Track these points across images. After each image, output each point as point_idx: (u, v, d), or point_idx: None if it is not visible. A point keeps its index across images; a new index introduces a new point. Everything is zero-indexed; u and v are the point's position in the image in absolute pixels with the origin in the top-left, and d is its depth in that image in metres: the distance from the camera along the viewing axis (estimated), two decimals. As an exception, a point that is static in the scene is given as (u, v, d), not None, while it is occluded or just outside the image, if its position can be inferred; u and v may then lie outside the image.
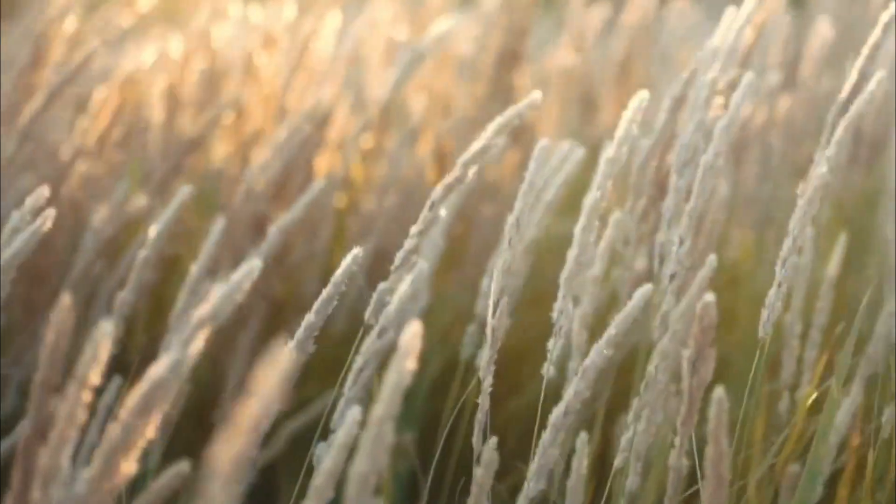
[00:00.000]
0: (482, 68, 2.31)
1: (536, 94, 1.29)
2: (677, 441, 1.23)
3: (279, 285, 2.05)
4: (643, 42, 2.43)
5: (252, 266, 0.95)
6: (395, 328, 1.23)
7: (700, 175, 1.34)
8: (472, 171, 1.28)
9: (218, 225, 1.58)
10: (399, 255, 1.29)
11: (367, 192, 2.16)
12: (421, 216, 1.28)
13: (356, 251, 1.22)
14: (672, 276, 1.34)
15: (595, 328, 1.38)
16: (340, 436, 0.88)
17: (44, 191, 1.28)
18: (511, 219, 1.28)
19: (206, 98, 2.17)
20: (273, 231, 1.66)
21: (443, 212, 1.30)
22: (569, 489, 1.27)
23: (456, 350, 1.60)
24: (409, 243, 1.29)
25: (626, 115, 1.32)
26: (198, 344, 0.90)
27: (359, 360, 1.25)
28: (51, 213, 1.25)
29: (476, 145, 1.28)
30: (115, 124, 1.97)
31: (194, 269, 1.53)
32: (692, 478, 1.26)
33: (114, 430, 0.86)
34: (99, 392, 1.34)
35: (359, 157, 2.15)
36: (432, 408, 1.77)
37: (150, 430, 0.86)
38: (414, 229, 1.29)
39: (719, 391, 1.02)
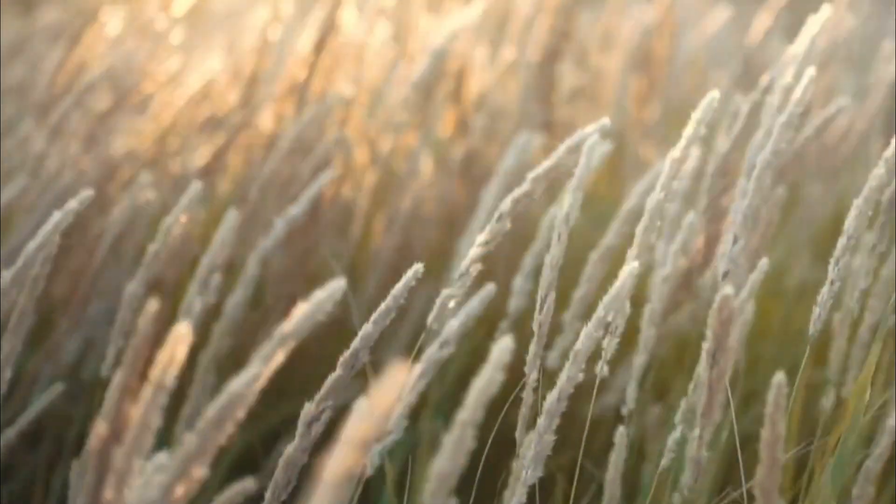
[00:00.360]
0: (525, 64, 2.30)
1: (605, 120, 1.29)
2: (696, 433, 1.23)
3: (302, 285, 2.03)
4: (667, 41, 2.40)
5: (336, 286, 0.96)
6: (455, 342, 1.24)
7: (756, 172, 1.34)
8: (541, 188, 1.28)
9: (230, 218, 1.56)
10: (464, 264, 1.29)
11: (392, 191, 2.15)
12: (488, 227, 1.29)
13: (417, 267, 1.22)
14: (725, 274, 1.33)
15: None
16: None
17: (88, 192, 1.28)
18: (561, 214, 1.27)
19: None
20: (279, 223, 1.66)
21: (508, 224, 1.29)
22: (607, 482, 1.27)
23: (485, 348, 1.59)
24: (474, 252, 1.29)
25: (696, 115, 1.30)
26: (278, 360, 0.90)
27: (418, 368, 1.25)
28: (73, 205, 1.25)
29: (547, 163, 1.29)
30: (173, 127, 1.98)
31: (204, 260, 1.53)
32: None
33: (190, 438, 0.86)
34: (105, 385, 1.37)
35: (385, 154, 2.14)
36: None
37: (223, 440, 0.86)
38: (480, 238, 1.29)
39: (780, 375, 1.02)
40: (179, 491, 0.85)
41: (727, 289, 1.13)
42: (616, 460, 1.28)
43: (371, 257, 2.08)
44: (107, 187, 1.98)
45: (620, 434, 1.29)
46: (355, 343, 1.21)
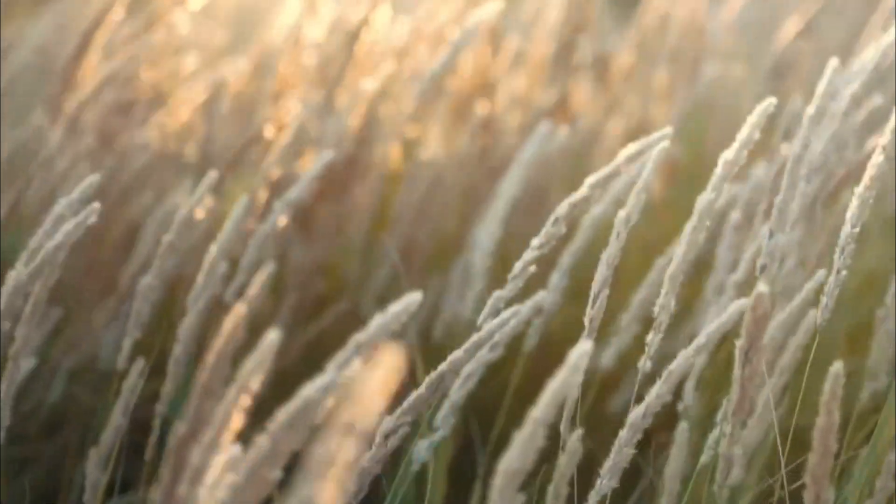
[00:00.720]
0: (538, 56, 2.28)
1: (667, 131, 1.30)
2: (727, 429, 1.23)
3: (318, 276, 2.03)
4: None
5: (412, 300, 0.95)
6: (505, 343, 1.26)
7: (789, 166, 1.34)
8: (598, 194, 1.31)
9: (240, 205, 1.55)
10: (518, 266, 1.30)
11: (407, 178, 2.13)
12: (543, 230, 1.30)
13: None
14: (763, 268, 1.33)
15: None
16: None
17: (93, 179, 1.26)
18: (622, 214, 1.27)
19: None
20: (277, 205, 1.64)
21: (564, 228, 1.31)
22: (667, 477, 1.28)
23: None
24: (528, 255, 1.30)
25: (751, 119, 1.29)
26: (354, 367, 0.90)
27: (468, 367, 1.25)
28: (96, 206, 1.24)
29: (607, 169, 1.31)
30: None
31: (213, 249, 1.51)
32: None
33: (262, 441, 0.85)
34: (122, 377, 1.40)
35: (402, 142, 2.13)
36: (488, 396, 1.75)
37: (295, 444, 0.85)
38: (535, 242, 1.30)
39: (837, 365, 1.03)
40: (251, 493, 0.84)
41: (761, 287, 1.13)
42: (677, 454, 1.28)
43: (383, 247, 2.07)
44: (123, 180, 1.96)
45: (681, 430, 1.29)
46: (442, 366, 1.22)
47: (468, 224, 2.05)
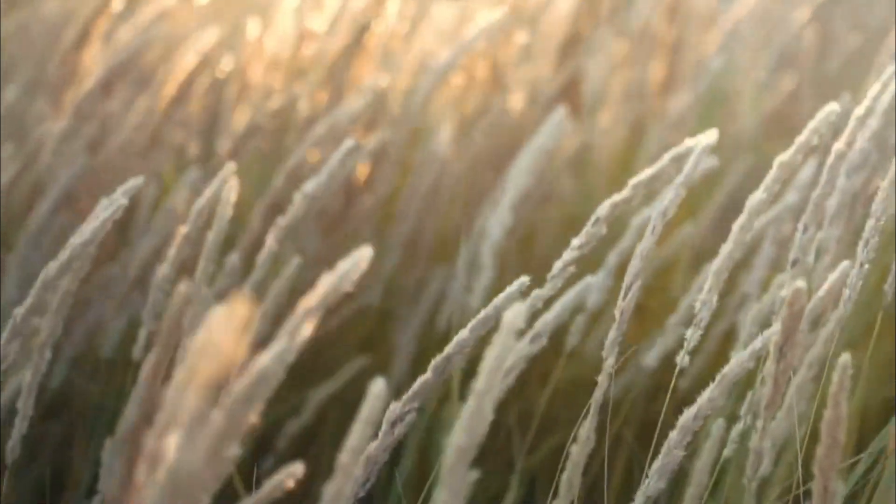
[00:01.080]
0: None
1: (713, 134, 1.29)
2: (759, 424, 1.24)
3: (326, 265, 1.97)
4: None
5: (362, 255, 0.93)
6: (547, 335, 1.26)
7: (830, 162, 1.33)
8: (640, 194, 1.29)
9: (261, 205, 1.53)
10: (557, 265, 1.30)
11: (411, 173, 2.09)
12: (584, 230, 1.30)
13: (523, 279, 1.22)
14: (794, 262, 1.33)
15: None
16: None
17: (138, 181, 1.28)
18: (660, 208, 1.26)
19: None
20: (298, 197, 1.61)
21: (604, 228, 1.30)
22: (695, 471, 1.26)
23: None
24: (568, 255, 1.30)
25: (812, 124, 1.29)
26: (305, 333, 0.87)
27: (508, 361, 1.20)
28: (124, 201, 1.25)
29: (650, 170, 1.30)
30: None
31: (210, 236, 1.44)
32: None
33: (218, 416, 0.80)
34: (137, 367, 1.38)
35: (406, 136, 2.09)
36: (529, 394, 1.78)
37: (253, 418, 0.82)
38: (576, 242, 1.30)
39: (845, 356, 1.02)
40: (210, 470, 0.80)
41: (799, 283, 1.14)
42: (710, 449, 1.26)
43: (390, 237, 2.05)
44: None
45: (718, 426, 1.27)
46: (449, 348, 1.21)
47: (474, 214, 2.03)
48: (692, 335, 1.25)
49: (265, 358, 0.81)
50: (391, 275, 2.01)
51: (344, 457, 1.09)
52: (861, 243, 1.27)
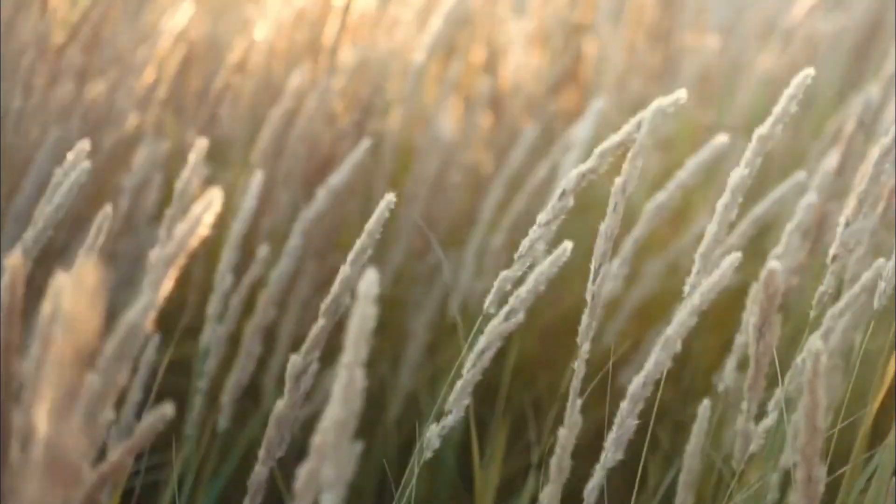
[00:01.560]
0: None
1: (681, 93, 1.23)
2: (744, 406, 1.25)
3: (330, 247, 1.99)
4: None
5: (213, 196, 0.92)
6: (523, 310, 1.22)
7: (876, 157, 1.30)
8: (607, 162, 1.23)
9: (256, 180, 1.52)
10: (524, 244, 1.24)
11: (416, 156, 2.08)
12: (550, 205, 1.24)
13: (390, 197, 1.18)
14: (834, 258, 1.30)
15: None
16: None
17: (84, 144, 1.24)
18: (618, 183, 1.21)
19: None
20: (322, 193, 1.62)
21: (571, 201, 1.24)
22: (687, 454, 1.27)
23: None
24: (535, 232, 1.24)
25: (788, 91, 1.24)
26: (167, 286, 0.85)
27: (482, 341, 1.21)
28: (87, 165, 1.23)
29: (616, 138, 1.24)
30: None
31: (235, 226, 1.49)
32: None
33: (92, 379, 0.78)
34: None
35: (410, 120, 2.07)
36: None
37: (125, 377, 0.80)
38: (542, 218, 1.24)
39: (817, 343, 1.02)
40: (88, 435, 0.79)
41: (773, 264, 1.16)
42: (697, 432, 1.27)
43: (398, 225, 2.02)
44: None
45: (703, 407, 1.27)
46: (335, 288, 1.19)
47: (481, 200, 2.01)
48: (684, 318, 1.20)
49: (131, 314, 0.78)
50: (401, 261, 2.00)
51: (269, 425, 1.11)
52: (841, 225, 1.28)
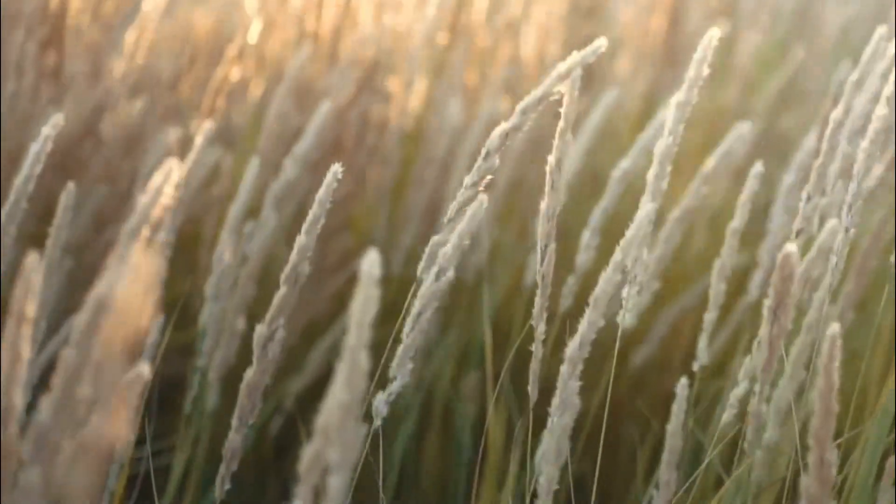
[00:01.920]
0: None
1: (601, 41, 1.21)
2: (757, 388, 1.24)
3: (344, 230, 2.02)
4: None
5: (170, 167, 0.92)
6: (454, 268, 1.19)
7: (829, 132, 1.31)
8: (530, 119, 1.21)
9: (253, 166, 1.52)
10: (452, 208, 1.22)
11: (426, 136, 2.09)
12: (475, 166, 1.21)
13: (335, 168, 1.17)
14: (798, 232, 1.31)
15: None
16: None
17: (59, 118, 1.23)
18: (552, 162, 1.22)
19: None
20: (289, 162, 1.62)
21: (497, 161, 1.22)
22: (668, 434, 1.27)
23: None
24: (462, 195, 1.22)
25: (697, 55, 1.24)
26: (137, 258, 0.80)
27: (417, 305, 1.19)
28: (50, 132, 1.21)
29: (538, 92, 1.21)
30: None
31: (233, 209, 1.50)
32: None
33: (69, 355, 0.78)
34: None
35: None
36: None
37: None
38: (468, 180, 1.22)
39: (835, 326, 1.01)
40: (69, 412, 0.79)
41: (790, 247, 1.14)
42: (677, 410, 1.26)
43: (407, 208, 2.04)
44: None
45: (682, 385, 1.27)
46: (293, 257, 1.19)
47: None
48: (629, 293, 1.23)
49: (99, 288, 0.78)
50: (410, 244, 2.01)
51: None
52: (844, 208, 1.25)
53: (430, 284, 1.18)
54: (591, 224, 1.55)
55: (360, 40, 2.03)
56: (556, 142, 1.21)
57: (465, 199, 1.21)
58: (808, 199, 1.31)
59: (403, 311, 1.21)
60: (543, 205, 1.21)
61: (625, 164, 1.56)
